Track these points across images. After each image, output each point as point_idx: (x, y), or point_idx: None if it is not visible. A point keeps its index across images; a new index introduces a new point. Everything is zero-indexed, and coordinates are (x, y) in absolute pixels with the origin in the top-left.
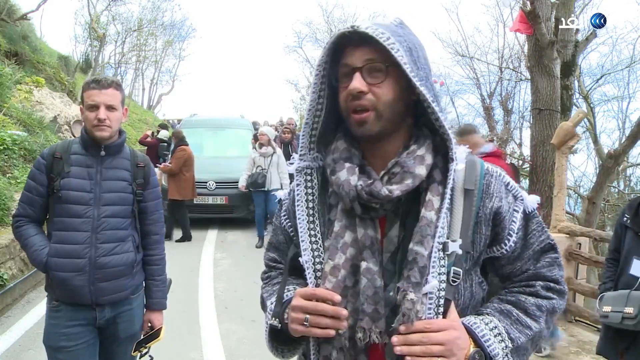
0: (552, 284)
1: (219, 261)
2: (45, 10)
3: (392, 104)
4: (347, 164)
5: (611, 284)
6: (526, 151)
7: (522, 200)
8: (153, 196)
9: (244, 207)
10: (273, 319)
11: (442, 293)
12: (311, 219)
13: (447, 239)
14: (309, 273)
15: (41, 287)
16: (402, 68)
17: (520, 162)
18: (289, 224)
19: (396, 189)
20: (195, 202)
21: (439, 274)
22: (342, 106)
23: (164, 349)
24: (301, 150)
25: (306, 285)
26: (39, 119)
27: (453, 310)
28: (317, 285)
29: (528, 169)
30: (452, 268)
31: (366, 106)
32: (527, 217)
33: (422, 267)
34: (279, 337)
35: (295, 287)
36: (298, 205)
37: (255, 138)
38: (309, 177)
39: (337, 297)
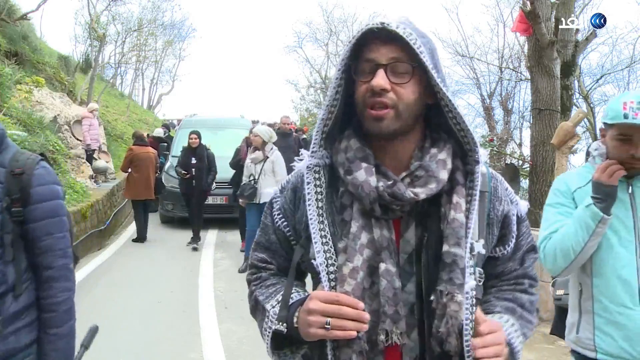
0: (534, 282)
1: (219, 261)
2: (45, 10)
3: (412, 105)
4: (364, 164)
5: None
6: (526, 151)
7: (516, 204)
8: (40, 214)
9: None
10: (280, 323)
11: (474, 293)
12: (321, 219)
13: (472, 240)
14: (323, 275)
15: None
16: (426, 70)
17: (520, 162)
18: (285, 223)
19: (421, 192)
20: None
21: (471, 274)
22: (358, 101)
23: (164, 349)
24: (313, 147)
25: (304, 287)
26: (39, 119)
27: (480, 310)
28: (331, 288)
29: (528, 169)
30: (477, 269)
31: (386, 104)
32: (519, 220)
33: (462, 268)
34: (280, 342)
35: (298, 290)
36: (309, 205)
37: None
38: (317, 175)
39: (361, 305)
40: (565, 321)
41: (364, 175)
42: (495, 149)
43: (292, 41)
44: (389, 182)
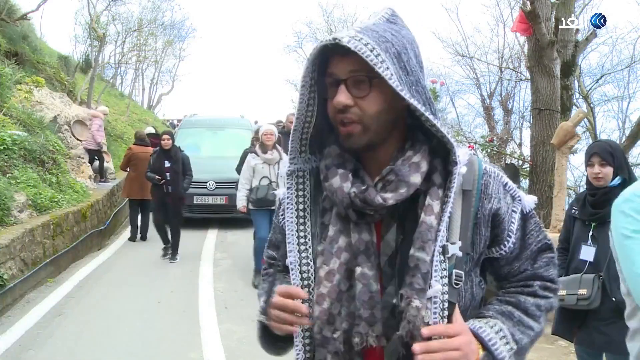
0: (548, 284)
1: (219, 261)
2: (45, 10)
3: (379, 116)
4: (340, 170)
5: (562, 271)
6: (526, 151)
7: (520, 200)
8: None
9: None
10: (261, 315)
11: (446, 296)
12: (302, 220)
13: (447, 241)
14: (294, 274)
15: (41, 287)
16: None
17: (520, 162)
18: (285, 224)
19: (390, 198)
20: (195, 202)
21: (441, 277)
22: (330, 117)
23: (164, 349)
24: (291, 154)
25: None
26: (39, 119)
27: (458, 314)
28: (303, 287)
29: (528, 169)
30: (454, 271)
31: (352, 119)
32: (525, 217)
33: (424, 273)
34: (270, 334)
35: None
36: (288, 209)
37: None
38: (300, 180)
39: (303, 294)
40: (566, 321)
41: (339, 182)
42: (495, 149)
43: (292, 41)
44: (362, 188)
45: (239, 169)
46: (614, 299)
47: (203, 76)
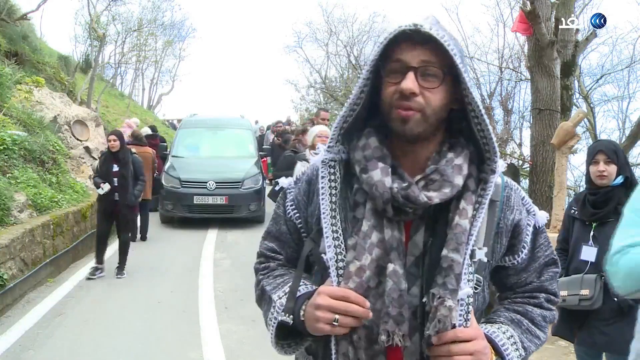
0: (552, 297)
1: (219, 261)
2: (45, 10)
3: (440, 110)
4: (381, 164)
5: (562, 272)
6: (526, 151)
7: (534, 215)
8: None
9: (244, 207)
10: (286, 315)
11: (471, 300)
12: (333, 214)
13: (474, 246)
14: (332, 271)
15: (41, 287)
16: (457, 75)
17: (520, 162)
18: (297, 215)
19: (435, 197)
20: (195, 202)
21: (469, 280)
22: (385, 101)
23: (164, 349)
24: (330, 142)
25: (312, 280)
26: (39, 119)
27: (473, 318)
28: (339, 284)
29: (528, 169)
30: (475, 276)
31: (414, 107)
32: (537, 231)
33: (457, 274)
34: (285, 333)
35: (305, 283)
36: (323, 200)
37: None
38: (332, 170)
39: (368, 304)
40: (566, 322)
41: (380, 175)
42: None
43: (292, 41)
44: (404, 184)
45: (280, 175)
46: (615, 299)
47: (203, 76)
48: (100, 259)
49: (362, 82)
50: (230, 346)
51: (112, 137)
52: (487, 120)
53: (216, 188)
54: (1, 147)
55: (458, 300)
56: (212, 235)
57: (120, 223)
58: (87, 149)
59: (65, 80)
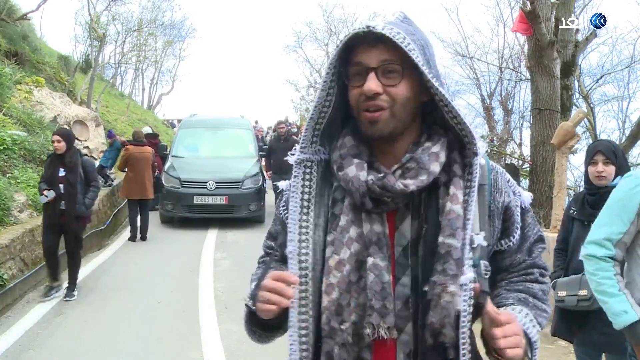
0: (544, 271)
1: (219, 261)
2: (45, 10)
3: (407, 104)
4: (356, 160)
5: (561, 272)
6: (526, 151)
7: (519, 195)
8: None
9: (244, 207)
10: (249, 300)
11: (473, 285)
12: (305, 210)
13: (471, 232)
14: (292, 263)
15: (41, 287)
16: (418, 69)
17: (520, 162)
18: (286, 214)
19: (411, 184)
20: (195, 202)
21: (471, 266)
22: (353, 105)
23: (164, 349)
24: (303, 143)
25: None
26: (39, 119)
27: (490, 303)
28: (301, 276)
29: (528, 169)
30: (482, 262)
31: (381, 106)
32: (524, 211)
33: (457, 259)
34: (256, 320)
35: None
36: (292, 197)
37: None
38: (307, 170)
39: (294, 279)
40: (565, 322)
41: (355, 171)
42: (495, 149)
43: (292, 41)
44: (380, 175)
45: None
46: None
47: (203, 76)
48: (54, 276)
49: (325, 85)
50: (230, 346)
51: (56, 137)
52: (457, 107)
53: (216, 188)
54: (1, 147)
55: (461, 285)
56: (212, 235)
57: (67, 236)
58: (87, 149)
59: (65, 80)
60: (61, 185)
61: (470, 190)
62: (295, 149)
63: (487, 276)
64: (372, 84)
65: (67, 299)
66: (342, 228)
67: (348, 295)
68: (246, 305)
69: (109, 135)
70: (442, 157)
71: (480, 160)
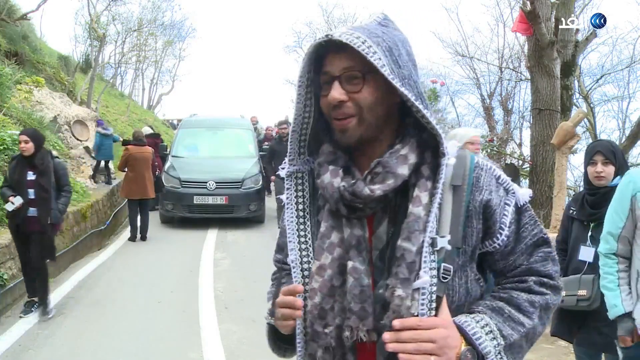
0: (545, 279)
1: (219, 261)
2: (45, 10)
3: (374, 107)
4: (331, 167)
5: (561, 272)
6: (526, 151)
7: (513, 193)
8: None
9: (244, 207)
10: (270, 317)
11: (434, 289)
12: (302, 220)
13: (436, 234)
14: (295, 272)
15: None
16: (381, 72)
17: (520, 162)
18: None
19: (378, 189)
20: (195, 202)
21: (430, 269)
22: (325, 113)
23: (164, 348)
24: (290, 156)
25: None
26: (39, 119)
27: (445, 308)
28: (305, 285)
29: (528, 169)
30: (442, 264)
31: (348, 113)
32: (519, 210)
33: (410, 262)
34: (278, 335)
35: None
36: (287, 208)
37: None
38: (299, 181)
39: (300, 288)
40: (565, 322)
41: (329, 177)
42: (495, 149)
43: (292, 41)
44: (352, 182)
45: None
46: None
47: (203, 76)
48: (33, 291)
49: (301, 97)
50: (230, 346)
51: (23, 137)
52: (422, 106)
53: (216, 188)
54: (1, 147)
55: (418, 289)
56: (212, 235)
57: (37, 246)
58: (87, 149)
59: (65, 80)
60: (30, 190)
61: (436, 192)
62: (284, 163)
63: (446, 280)
64: (335, 92)
65: (42, 318)
66: (322, 234)
67: (331, 299)
68: (267, 323)
69: (99, 123)
70: (412, 159)
71: (450, 160)
